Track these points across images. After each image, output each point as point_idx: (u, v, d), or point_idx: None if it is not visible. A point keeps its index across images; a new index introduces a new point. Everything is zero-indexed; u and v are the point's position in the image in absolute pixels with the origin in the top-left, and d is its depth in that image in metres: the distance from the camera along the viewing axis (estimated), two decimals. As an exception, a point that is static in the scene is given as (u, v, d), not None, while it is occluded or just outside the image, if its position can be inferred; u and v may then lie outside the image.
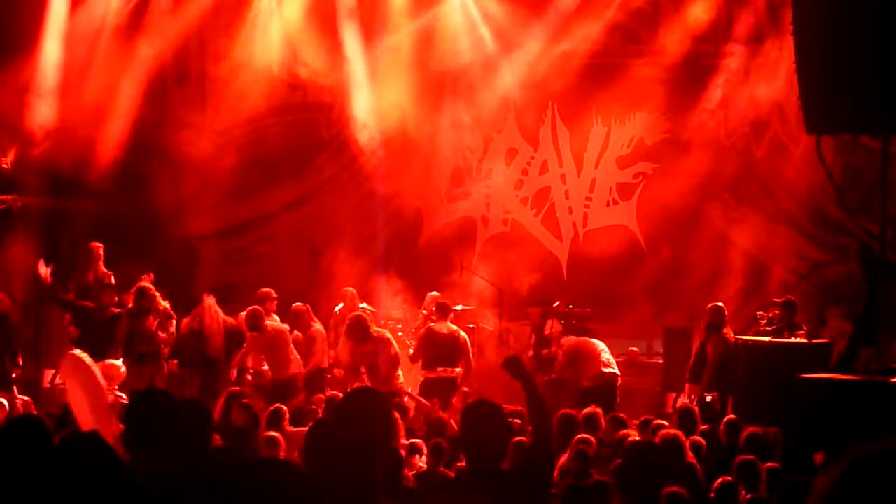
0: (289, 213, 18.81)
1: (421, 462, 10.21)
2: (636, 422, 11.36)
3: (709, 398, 13.26)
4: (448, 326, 14.33)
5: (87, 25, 17.54)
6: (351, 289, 16.07)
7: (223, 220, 18.78)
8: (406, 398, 13.74)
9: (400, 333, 16.19)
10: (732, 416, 11.64)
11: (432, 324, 14.54)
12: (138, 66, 17.84)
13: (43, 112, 17.02)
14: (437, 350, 14.16)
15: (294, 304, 15.29)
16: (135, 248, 16.39)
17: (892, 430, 9.06)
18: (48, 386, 15.97)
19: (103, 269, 15.45)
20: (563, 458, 9.53)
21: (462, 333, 14.43)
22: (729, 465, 9.33)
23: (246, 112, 18.22)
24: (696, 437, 10.35)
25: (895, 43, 10.53)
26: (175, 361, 14.59)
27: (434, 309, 14.95)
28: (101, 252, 15.43)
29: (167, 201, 18.03)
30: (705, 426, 11.31)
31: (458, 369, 14.17)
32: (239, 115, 18.21)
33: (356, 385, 13.11)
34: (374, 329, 14.07)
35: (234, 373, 14.83)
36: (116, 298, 14.88)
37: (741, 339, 13.90)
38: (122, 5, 17.68)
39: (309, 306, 15.35)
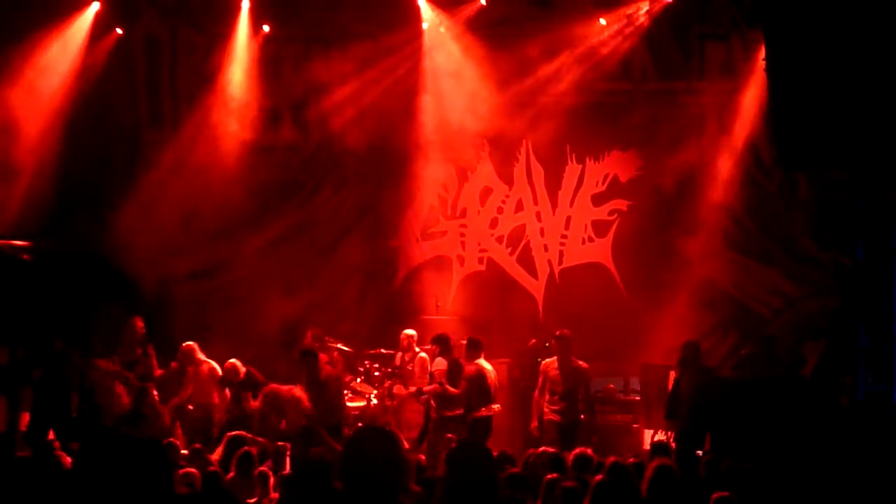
0: (264, 252, 18.72)
1: None
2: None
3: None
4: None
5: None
6: (315, 330, 16.00)
7: (198, 262, 18.68)
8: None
9: (377, 373, 16.12)
10: (710, 453, 11.57)
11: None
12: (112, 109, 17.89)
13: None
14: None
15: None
16: (111, 291, 16.30)
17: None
18: (26, 430, 15.87)
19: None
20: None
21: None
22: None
23: (220, 153, 18.19)
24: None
25: (868, 79, 10.63)
26: None
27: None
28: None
29: (142, 243, 17.95)
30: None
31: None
32: (213, 156, 18.17)
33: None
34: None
35: None
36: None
37: (717, 375, 13.91)
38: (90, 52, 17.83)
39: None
